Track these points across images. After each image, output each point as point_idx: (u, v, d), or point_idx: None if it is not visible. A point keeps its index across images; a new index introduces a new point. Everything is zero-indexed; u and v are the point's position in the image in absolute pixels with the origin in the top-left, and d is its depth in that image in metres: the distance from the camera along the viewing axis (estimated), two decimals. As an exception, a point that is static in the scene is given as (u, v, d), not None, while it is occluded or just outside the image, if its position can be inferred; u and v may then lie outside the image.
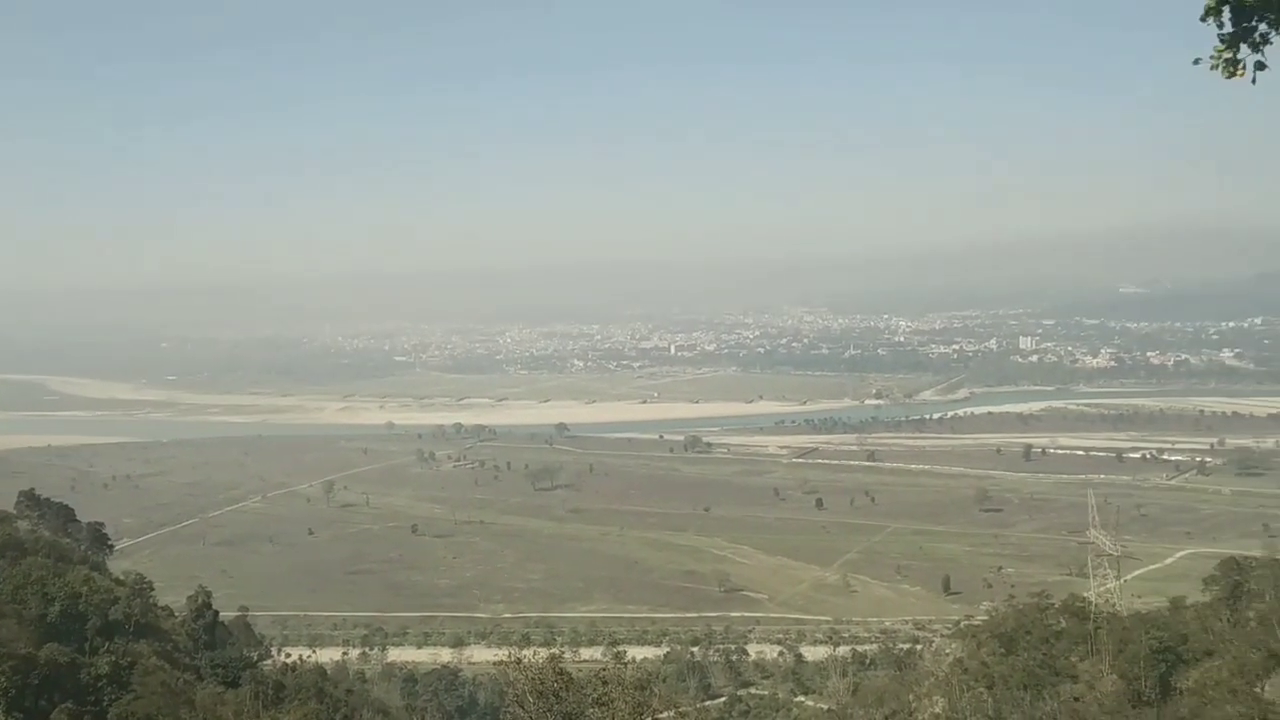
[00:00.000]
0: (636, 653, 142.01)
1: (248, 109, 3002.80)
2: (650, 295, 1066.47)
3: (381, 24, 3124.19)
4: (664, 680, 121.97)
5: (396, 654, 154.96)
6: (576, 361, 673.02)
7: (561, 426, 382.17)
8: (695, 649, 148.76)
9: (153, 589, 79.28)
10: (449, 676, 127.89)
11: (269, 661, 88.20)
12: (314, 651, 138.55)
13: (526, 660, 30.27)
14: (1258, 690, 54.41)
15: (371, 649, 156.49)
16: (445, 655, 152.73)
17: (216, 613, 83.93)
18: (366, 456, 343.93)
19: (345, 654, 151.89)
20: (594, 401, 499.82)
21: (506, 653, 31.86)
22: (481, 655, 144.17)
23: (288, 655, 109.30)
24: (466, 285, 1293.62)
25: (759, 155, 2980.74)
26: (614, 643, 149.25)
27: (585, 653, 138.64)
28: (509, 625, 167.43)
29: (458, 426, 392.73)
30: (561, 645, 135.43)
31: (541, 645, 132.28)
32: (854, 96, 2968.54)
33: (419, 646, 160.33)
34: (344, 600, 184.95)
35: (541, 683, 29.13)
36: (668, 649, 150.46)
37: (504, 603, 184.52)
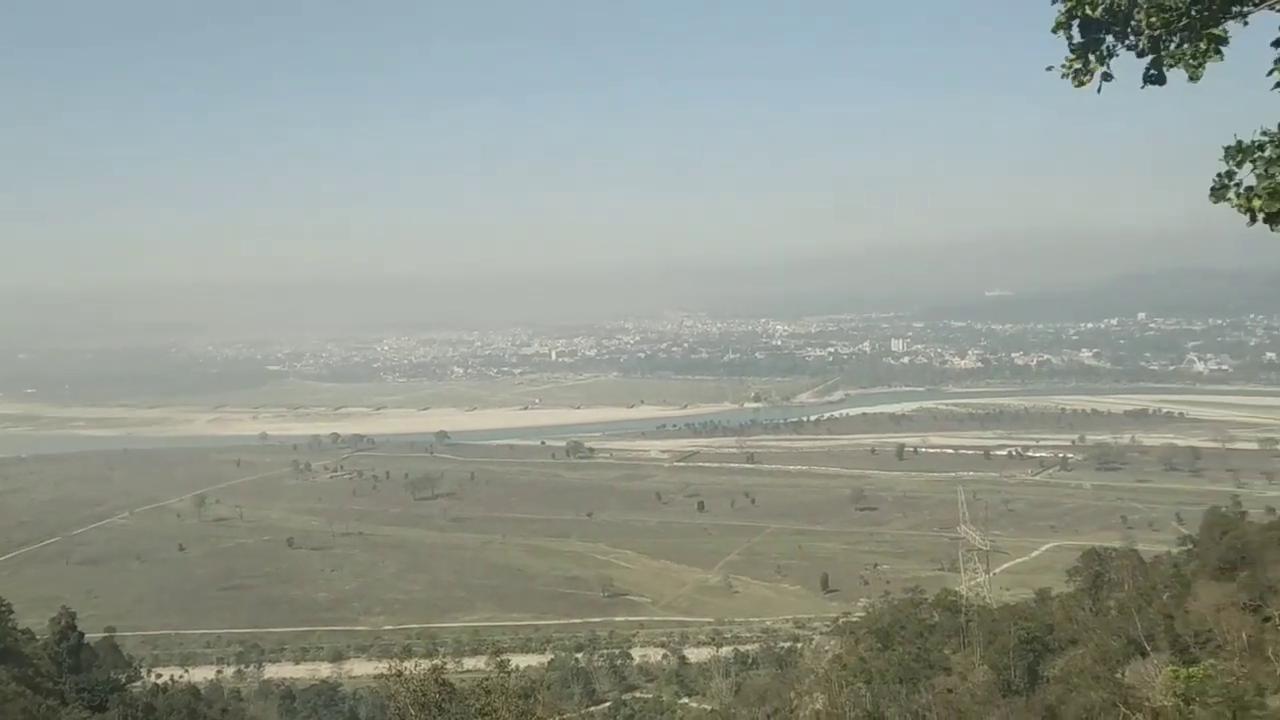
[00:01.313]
0: (520, 661, 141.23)
1: (98, 109, 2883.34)
2: (531, 302, 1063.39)
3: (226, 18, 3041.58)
4: (548, 687, 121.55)
5: (273, 670, 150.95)
6: (456, 369, 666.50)
7: (442, 434, 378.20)
8: (579, 655, 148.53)
9: (11, 612, 75.92)
10: (328, 692, 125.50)
11: (138, 683, 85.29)
12: (186, 671, 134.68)
13: (408, 672, 29.99)
14: (1118, 675, 56.90)
15: (247, 666, 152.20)
16: (324, 670, 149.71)
17: (81, 634, 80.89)
18: (239, 469, 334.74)
19: (219, 672, 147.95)
20: (475, 409, 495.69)
21: (388, 665, 31.38)
22: (362, 669, 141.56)
23: (158, 676, 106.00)
24: (343, 295, 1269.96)
25: (637, 163, 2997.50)
26: (497, 651, 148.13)
27: (469, 663, 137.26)
28: (390, 637, 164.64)
29: (335, 436, 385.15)
30: (444, 656, 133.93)
31: (424, 657, 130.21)
32: (728, 108, 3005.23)
33: (297, 662, 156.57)
34: (217, 617, 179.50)
35: (424, 694, 28.89)
36: (552, 656, 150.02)
37: (385, 615, 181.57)
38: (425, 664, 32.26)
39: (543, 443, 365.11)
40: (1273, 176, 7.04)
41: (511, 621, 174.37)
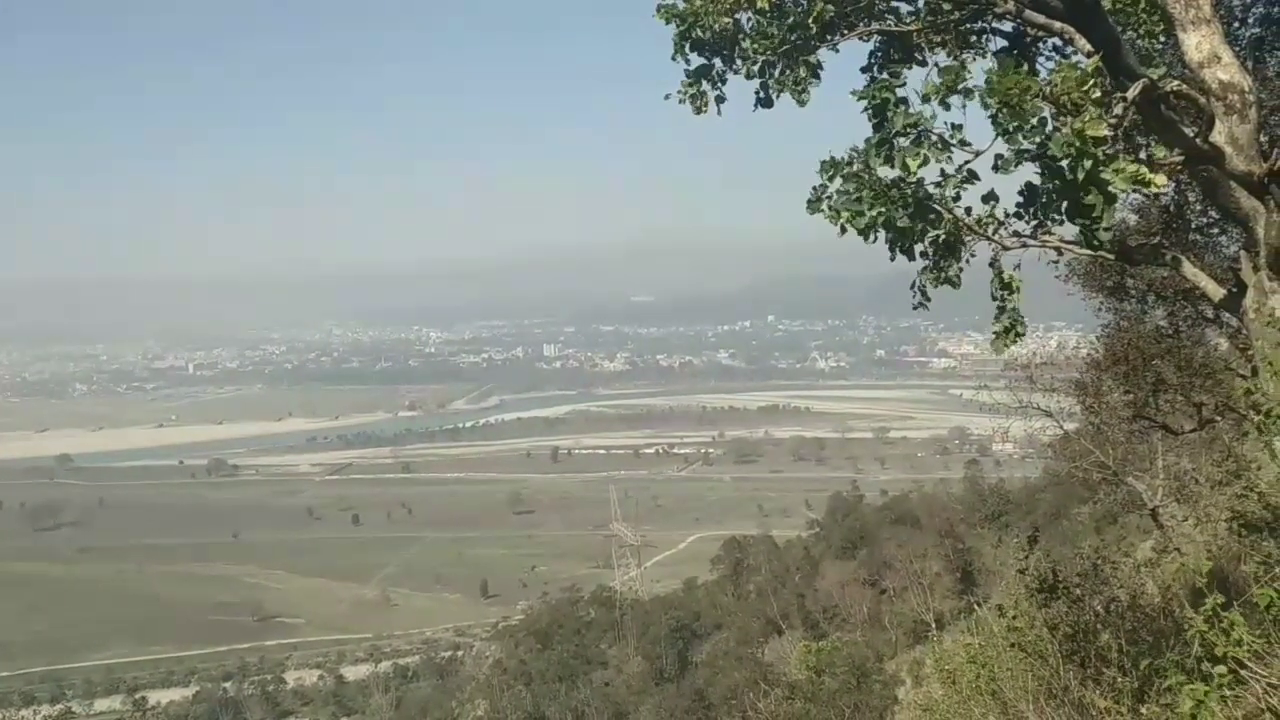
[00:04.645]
0: (162, 696, 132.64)
1: None
2: (163, 312, 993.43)
3: None
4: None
5: None
6: (79, 385, 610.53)
7: (64, 458, 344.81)
8: (228, 684, 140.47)
9: None
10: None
11: None
12: None
13: (27, 722, 27.31)
14: (759, 654, 60.87)
15: None
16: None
17: None
18: None
19: None
20: (102, 428, 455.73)
21: (3, 716, 28.41)
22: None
23: None
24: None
25: (278, 170, 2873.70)
26: (134, 689, 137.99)
27: (101, 704, 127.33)
28: (8, 684, 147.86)
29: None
30: (72, 700, 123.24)
31: (48, 703, 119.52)
32: (373, 119, 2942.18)
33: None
34: None
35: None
36: (197, 688, 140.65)
37: (1, 660, 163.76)
38: (49, 711, 29.47)
39: (181, 462, 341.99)
40: (848, 193, 7.76)
41: (151, 655, 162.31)
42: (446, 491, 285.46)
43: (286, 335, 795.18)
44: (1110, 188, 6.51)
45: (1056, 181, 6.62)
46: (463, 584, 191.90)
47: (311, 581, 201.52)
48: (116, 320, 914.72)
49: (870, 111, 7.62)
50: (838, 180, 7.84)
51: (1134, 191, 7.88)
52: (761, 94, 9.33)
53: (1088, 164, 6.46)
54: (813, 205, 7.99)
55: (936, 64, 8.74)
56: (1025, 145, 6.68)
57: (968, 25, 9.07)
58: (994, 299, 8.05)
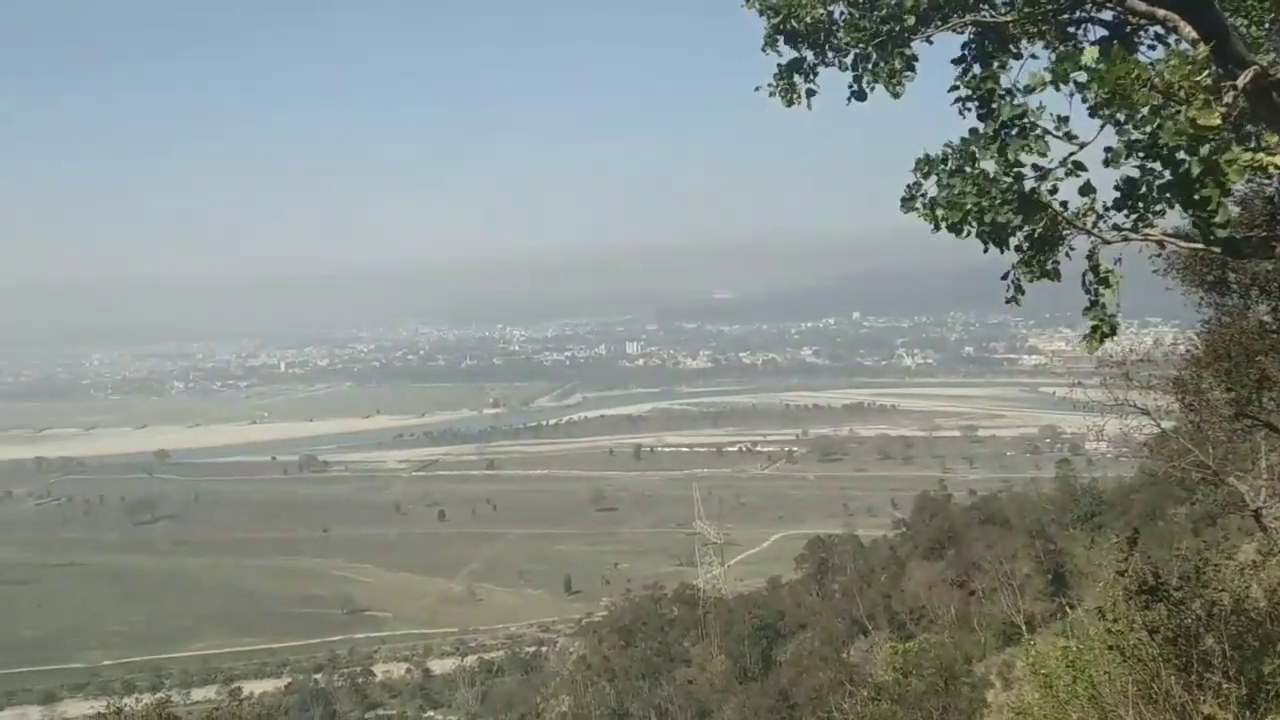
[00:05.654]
0: (255, 687, 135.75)
1: None
2: (257, 311, 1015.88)
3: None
4: (286, 712, 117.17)
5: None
6: (177, 383, 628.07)
7: (162, 454, 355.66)
8: (319, 676, 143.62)
9: None
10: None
11: None
12: None
13: (128, 710, 28.15)
14: (844, 655, 60.34)
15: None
16: (34, 714, 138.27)
17: None
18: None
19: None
20: (198, 425, 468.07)
21: (106, 704, 29.36)
22: (77, 709, 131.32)
23: None
24: (40, 301, 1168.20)
25: (365, 164, 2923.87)
26: (229, 679, 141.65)
27: (198, 694, 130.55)
28: (109, 673, 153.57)
29: (39, 460, 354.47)
30: (170, 689, 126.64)
31: (147, 691, 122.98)
32: (466, 112, 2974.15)
33: (0, 709, 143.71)
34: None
35: (147, 731, 27.22)
36: (289, 679, 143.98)
37: (102, 649, 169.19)
38: (149, 699, 30.37)
39: (273, 458, 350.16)
40: (951, 188, 7.64)
41: (245, 647, 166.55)
42: (530, 488, 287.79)
43: (374, 334, 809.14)
44: (1225, 178, 6.30)
45: (1168, 173, 6.44)
46: (546, 580, 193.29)
47: (399, 576, 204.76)
48: (212, 320, 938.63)
49: (975, 104, 7.49)
50: (932, 177, 7.74)
51: (1247, 181, 7.64)
52: (855, 86, 9.25)
53: (1204, 152, 6.26)
54: (907, 203, 7.90)
55: (1033, 55, 8.58)
56: (1136, 136, 6.50)
57: (1066, 15, 8.87)
58: (1088, 293, 7.87)
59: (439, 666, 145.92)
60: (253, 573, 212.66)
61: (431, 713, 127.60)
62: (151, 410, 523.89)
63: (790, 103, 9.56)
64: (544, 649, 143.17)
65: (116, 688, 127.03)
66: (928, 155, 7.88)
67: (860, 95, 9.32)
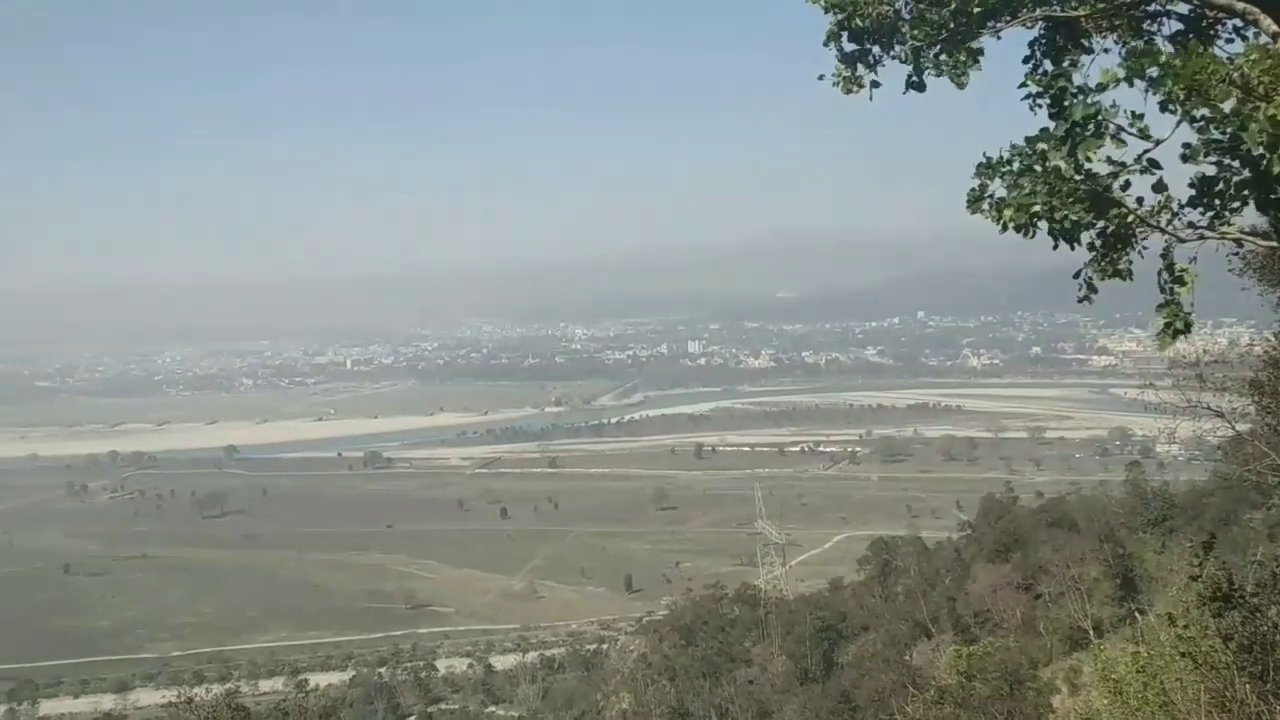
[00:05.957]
0: (321, 679, 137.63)
1: None
2: (324, 310, 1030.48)
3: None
4: (350, 705, 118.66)
5: (50, 706, 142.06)
6: (246, 380, 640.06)
7: (231, 449, 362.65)
8: (382, 669, 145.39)
9: None
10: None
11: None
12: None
13: (199, 699, 28.73)
14: (907, 658, 59.76)
15: (20, 703, 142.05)
16: (108, 702, 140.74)
17: None
18: (7, 493, 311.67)
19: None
20: (266, 421, 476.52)
21: (177, 693, 29.97)
22: (149, 698, 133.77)
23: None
24: (116, 301, 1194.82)
25: (431, 167, 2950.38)
26: (296, 671, 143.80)
27: (265, 685, 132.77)
28: (179, 664, 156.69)
29: (113, 455, 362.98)
30: (238, 680, 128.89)
31: (216, 682, 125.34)
32: (524, 117, 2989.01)
33: (76, 696, 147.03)
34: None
35: (217, 721, 27.75)
36: (354, 672, 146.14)
37: (172, 640, 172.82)
38: (218, 689, 30.99)
39: (339, 454, 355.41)
40: (1020, 189, 7.52)
41: (310, 640, 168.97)
42: (591, 486, 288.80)
43: (438, 332, 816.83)
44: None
45: (1246, 171, 6.27)
46: (607, 578, 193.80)
47: (461, 572, 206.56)
48: (278, 318, 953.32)
49: (1048, 102, 7.36)
50: (997, 179, 7.64)
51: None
52: (915, 77, 9.13)
53: (1287, 151, 6.09)
54: (973, 204, 7.78)
55: (1105, 50, 8.41)
56: (1215, 136, 6.34)
57: (1140, 8, 8.69)
58: (1162, 292, 7.70)
59: (500, 662, 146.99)
60: (318, 567, 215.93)
61: (493, 708, 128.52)
62: (221, 406, 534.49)
63: (849, 91, 9.47)
64: (605, 646, 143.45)
65: (186, 678, 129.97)
66: (990, 159, 7.78)
67: (919, 86, 9.20)
